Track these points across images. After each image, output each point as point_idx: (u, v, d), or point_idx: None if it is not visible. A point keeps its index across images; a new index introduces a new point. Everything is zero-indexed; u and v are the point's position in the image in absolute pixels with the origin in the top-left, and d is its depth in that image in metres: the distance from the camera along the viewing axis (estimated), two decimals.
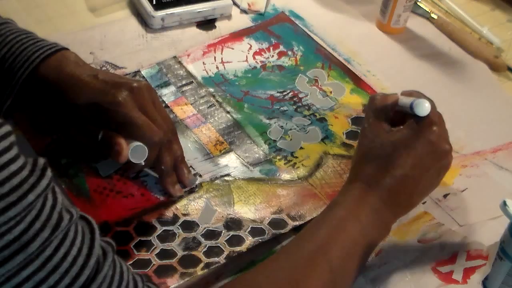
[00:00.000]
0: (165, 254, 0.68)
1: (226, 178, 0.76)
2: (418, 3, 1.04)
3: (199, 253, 0.68)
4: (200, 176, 0.76)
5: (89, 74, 0.70)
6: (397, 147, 0.67)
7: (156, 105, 0.72)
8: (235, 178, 0.76)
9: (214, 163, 0.78)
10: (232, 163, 0.78)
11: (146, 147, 0.69)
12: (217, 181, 0.76)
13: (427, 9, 1.04)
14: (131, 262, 0.67)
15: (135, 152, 0.68)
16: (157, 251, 0.68)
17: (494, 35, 1.01)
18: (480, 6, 1.08)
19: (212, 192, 0.75)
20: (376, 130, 0.70)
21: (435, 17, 1.03)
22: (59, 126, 0.74)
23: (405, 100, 0.70)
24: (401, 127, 0.69)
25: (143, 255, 0.68)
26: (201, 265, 0.67)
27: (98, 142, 0.69)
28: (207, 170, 0.77)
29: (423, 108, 0.67)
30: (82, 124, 0.70)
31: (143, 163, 0.70)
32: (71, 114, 0.70)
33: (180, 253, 0.68)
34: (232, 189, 0.75)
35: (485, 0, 1.09)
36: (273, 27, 0.98)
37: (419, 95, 0.71)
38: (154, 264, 0.67)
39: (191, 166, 0.76)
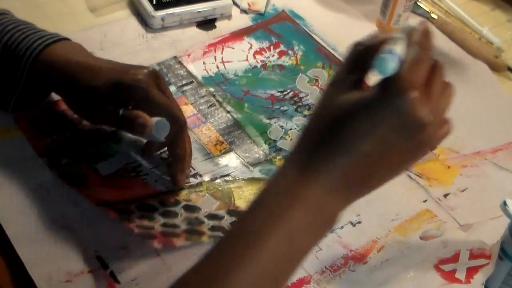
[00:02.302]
0: (168, 225, 0.69)
1: (226, 178, 0.76)
2: (418, 3, 1.04)
3: (203, 228, 0.69)
4: (200, 176, 0.76)
5: (102, 60, 0.73)
6: (351, 113, 0.50)
7: (169, 93, 0.74)
8: (235, 178, 0.76)
9: (214, 163, 0.78)
10: (232, 163, 0.78)
11: (168, 123, 0.69)
12: (217, 181, 0.76)
13: (427, 9, 1.04)
14: (134, 224, 0.68)
15: (158, 126, 0.69)
16: (160, 223, 0.69)
17: (494, 35, 1.01)
18: (480, 6, 1.08)
19: (212, 191, 0.75)
20: (335, 89, 0.52)
21: (435, 17, 1.03)
22: (64, 123, 0.75)
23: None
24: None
25: (146, 225, 0.68)
26: (206, 236, 0.68)
27: (119, 118, 0.70)
28: (207, 170, 0.77)
29: (386, 67, 0.50)
30: (97, 105, 0.71)
31: (164, 139, 0.70)
32: (83, 98, 0.72)
33: (183, 227, 0.69)
34: (232, 189, 0.75)
35: (485, 0, 1.09)
36: (273, 26, 0.98)
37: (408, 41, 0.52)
38: (158, 230, 0.68)
39: (191, 166, 0.77)
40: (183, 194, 0.73)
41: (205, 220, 0.70)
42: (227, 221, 0.70)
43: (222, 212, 0.71)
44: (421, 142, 0.52)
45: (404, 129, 0.50)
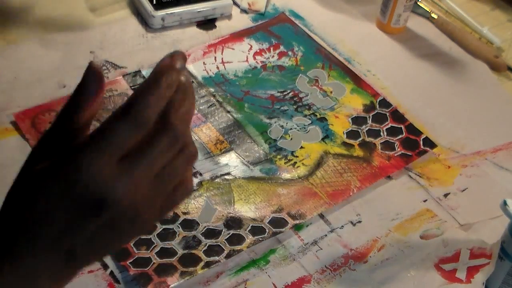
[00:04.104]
0: (165, 252, 0.68)
1: (226, 177, 0.76)
2: (418, 3, 1.04)
3: (199, 252, 0.68)
4: (201, 174, 0.76)
5: None
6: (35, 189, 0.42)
7: None
8: (236, 177, 0.76)
9: (214, 162, 0.78)
10: (232, 162, 0.78)
11: None
12: (218, 180, 0.76)
13: (427, 9, 1.04)
14: (131, 260, 0.67)
15: None
16: (157, 249, 0.68)
17: (494, 35, 1.01)
18: (480, 6, 1.08)
19: (212, 190, 0.75)
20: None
21: (435, 17, 1.03)
22: None
23: None
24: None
25: (143, 253, 0.68)
26: (201, 264, 0.67)
27: None
28: (207, 169, 0.77)
29: None
30: None
31: None
32: None
33: (180, 251, 0.68)
34: (233, 187, 0.75)
35: (485, 0, 1.09)
36: (273, 28, 0.98)
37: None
38: (154, 263, 0.67)
39: None
40: (182, 203, 0.73)
41: (202, 239, 0.70)
42: (224, 236, 0.70)
43: (220, 225, 0.71)
44: (107, 222, 0.41)
45: (75, 206, 0.40)
